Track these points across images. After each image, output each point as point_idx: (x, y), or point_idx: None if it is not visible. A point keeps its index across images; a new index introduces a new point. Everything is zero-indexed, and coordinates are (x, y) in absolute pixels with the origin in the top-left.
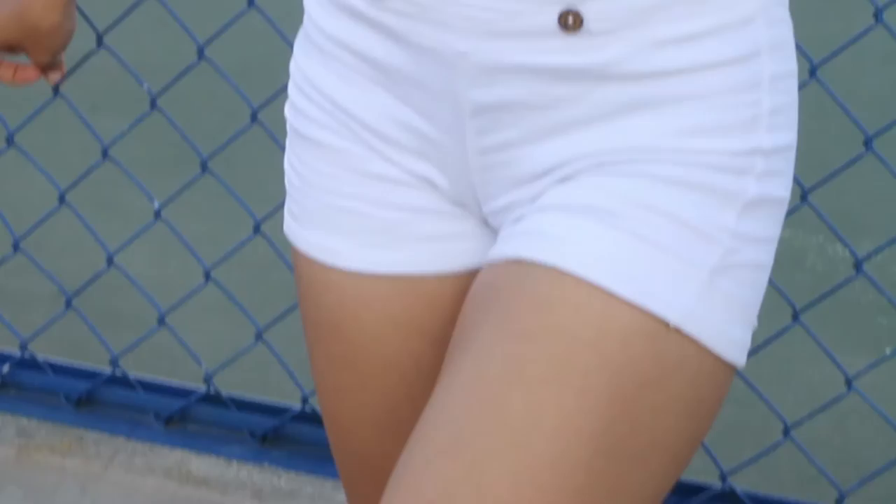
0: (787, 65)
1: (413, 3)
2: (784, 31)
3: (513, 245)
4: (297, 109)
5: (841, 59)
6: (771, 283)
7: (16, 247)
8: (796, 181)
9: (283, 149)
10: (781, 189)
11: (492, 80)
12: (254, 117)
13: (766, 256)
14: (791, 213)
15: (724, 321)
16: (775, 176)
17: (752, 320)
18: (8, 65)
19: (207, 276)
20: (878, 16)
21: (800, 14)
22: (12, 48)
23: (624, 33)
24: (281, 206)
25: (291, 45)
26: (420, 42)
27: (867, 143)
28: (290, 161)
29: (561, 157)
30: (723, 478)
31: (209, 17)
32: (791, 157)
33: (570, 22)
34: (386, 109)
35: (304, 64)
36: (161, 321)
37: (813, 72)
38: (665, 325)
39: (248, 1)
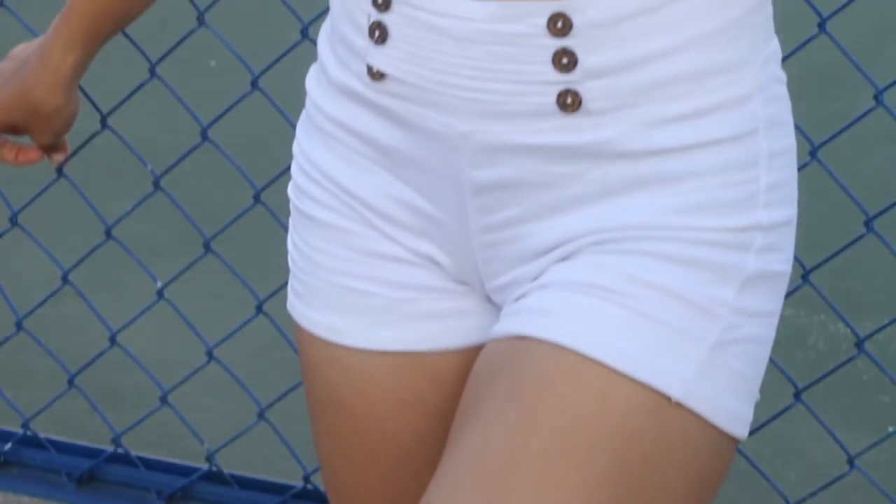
0: (784, 142)
1: (413, 85)
2: (782, 109)
3: (515, 322)
4: (300, 190)
5: (842, 139)
6: (772, 361)
7: (19, 326)
8: (797, 261)
9: (285, 229)
10: (781, 264)
11: (492, 160)
12: (256, 198)
13: (766, 331)
14: (792, 292)
15: (725, 395)
16: (775, 251)
17: (753, 393)
18: (10, 146)
19: (210, 355)
20: (878, 97)
21: (801, 94)
22: (16, 129)
23: (622, 113)
24: (283, 285)
25: (294, 126)
26: (420, 123)
27: (868, 223)
28: (293, 241)
29: (562, 236)
30: None
31: (212, 98)
32: (791, 231)
33: (569, 102)
34: (387, 189)
35: (307, 145)
36: (163, 400)
37: (813, 153)
38: (667, 399)
39: (252, 82)
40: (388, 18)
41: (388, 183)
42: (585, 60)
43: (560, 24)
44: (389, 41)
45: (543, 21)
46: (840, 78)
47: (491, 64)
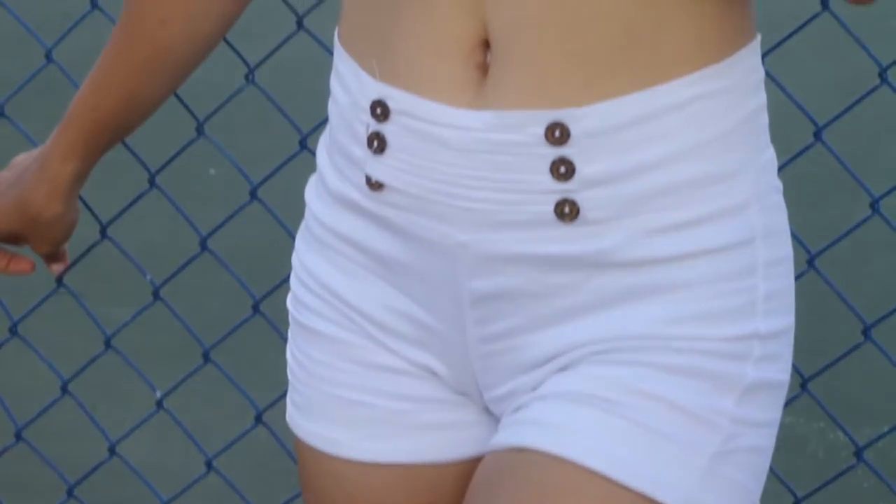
0: (781, 250)
1: (411, 196)
2: (778, 218)
3: (514, 433)
4: (299, 301)
5: (839, 246)
6: (772, 469)
7: (18, 435)
8: (795, 370)
9: (284, 338)
10: (780, 373)
11: (491, 270)
12: (256, 308)
13: (766, 440)
14: (791, 400)
15: None
16: (773, 360)
17: (754, 503)
18: (3, 254)
19: (209, 465)
20: (874, 206)
21: (798, 201)
22: (15, 238)
23: (620, 222)
24: (282, 395)
25: (293, 235)
26: (419, 234)
27: (866, 332)
28: (292, 352)
29: (560, 346)
30: None
31: (211, 206)
32: (789, 340)
33: (567, 211)
34: (386, 300)
35: (305, 256)
36: None
37: (811, 261)
38: None
39: (251, 192)
40: (386, 128)
41: (387, 293)
42: (583, 169)
43: (557, 133)
44: (388, 151)
45: (541, 130)
46: (836, 185)
47: (489, 173)
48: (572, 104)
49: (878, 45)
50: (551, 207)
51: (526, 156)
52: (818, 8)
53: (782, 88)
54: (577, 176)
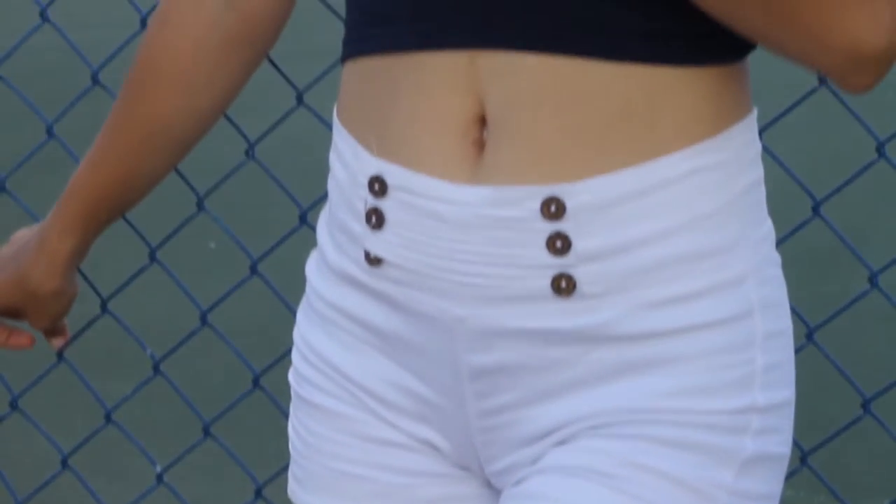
0: (780, 323)
1: (409, 270)
2: (776, 291)
3: None
4: (300, 375)
5: (839, 320)
6: None
7: None
8: (796, 444)
9: (284, 413)
10: (780, 445)
11: (489, 345)
12: (255, 382)
13: None
14: (791, 474)
15: None
16: (772, 433)
17: None
18: (2, 328)
19: None
20: (873, 280)
21: (796, 275)
22: (14, 313)
23: (616, 296)
24: (282, 469)
25: (292, 309)
26: (417, 309)
27: (865, 405)
28: (293, 426)
29: (559, 420)
30: None
31: (212, 279)
32: (789, 412)
33: (564, 286)
34: (386, 374)
35: (307, 331)
36: None
37: (810, 335)
38: None
39: (251, 267)
40: (384, 204)
41: (387, 368)
42: (579, 244)
43: (553, 208)
44: (386, 227)
45: (537, 205)
46: (835, 258)
47: (486, 248)
48: (568, 179)
49: (876, 118)
50: (548, 282)
51: (522, 231)
52: (815, 81)
53: (780, 163)
54: (573, 250)
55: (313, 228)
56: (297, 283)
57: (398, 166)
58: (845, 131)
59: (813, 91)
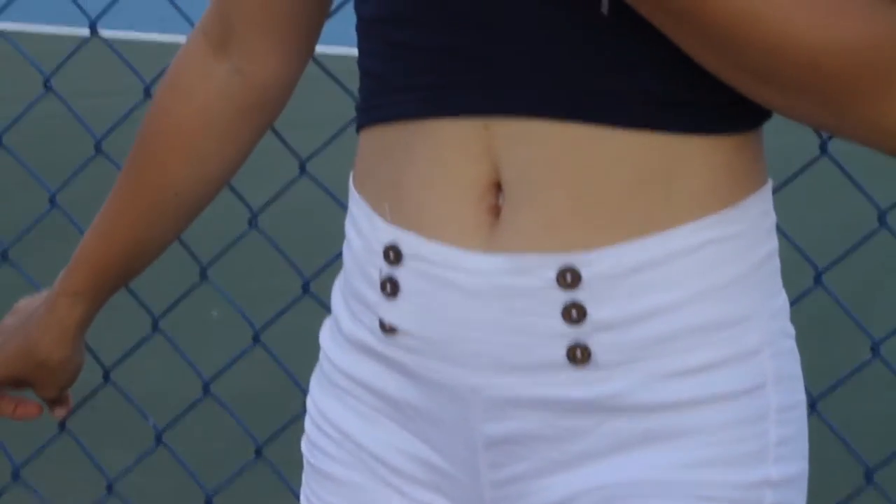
0: (794, 396)
1: (424, 339)
2: (790, 363)
3: None
4: (313, 445)
5: (840, 388)
6: None
7: None
8: None
9: (286, 484)
10: None
11: (504, 414)
12: (258, 452)
13: None
14: None
15: None
16: None
17: None
18: (9, 399)
19: None
20: (875, 349)
21: (799, 344)
22: (21, 382)
23: (632, 366)
24: None
25: (295, 379)
26: (432, 377)
27: (868, 475)
28: (306, 496)
29: (572, 490)
30: None
31: (214, 348)
32: (802, 485)
33: (579, 356)
34: (399, 444)
35: (320, 399)
36: None
37: (813, 405)
38: None
39: (253, 336)
40: (399, 273)
41: (401, 437)
42: (594, 313)
43: (569, 278)
44: (401, 295)
45: (553, 274)
46: (837, 326)
47: (501, 316)
48: (583, 248)
49: (877, 187)
50: (563, 351)
51: (538, 300)
52: (817, 150)
53: (782, 231)
54: (588, 320)
55: (316, 297)
56: (301, 352)
57: (413, 234)
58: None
59: (815, 160)
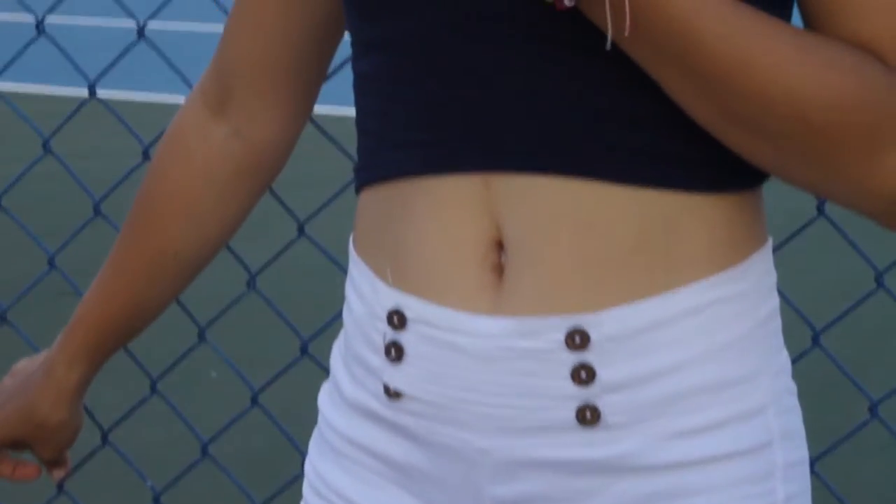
0: (799, 452)
1: (430, 403)
2: (794, 419)
3: None
4: None
5: (839, 449)
6: None
7: None
8: None
9: None
10: None
11: (512, 476)
12: None
13: None
14: None
15: None
16: None
17: None
18: (8, 461)
19: None
20: (873, 410)
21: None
22: (19, 444)
23: (640, 426)
24: None
25: (293, 441)
26: (439, 441)
27: None
28: None
29: None
30: None
31: (213, 408)
32: None
33: (589, 417)
34: None
35: (319, 464)
36: None
37: (811, 466)
38: None
39: (252, 398)
40: (404, 337)
41: (405, 501)
42: (603, 374)
43: (578, 340)
44: (406, 359)
45: (561, 336)
46: (835, 387)
47: (508, 379)
48: (590, 309)
49: (875, 247)
50: (573, 413)
51: (546, 362)
52: (814, 211)
53: (779, 292)
54: (597, 381)
55: (314, 359)
56: (299, 414)
57: (417, 298)
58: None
59: (812, 220)
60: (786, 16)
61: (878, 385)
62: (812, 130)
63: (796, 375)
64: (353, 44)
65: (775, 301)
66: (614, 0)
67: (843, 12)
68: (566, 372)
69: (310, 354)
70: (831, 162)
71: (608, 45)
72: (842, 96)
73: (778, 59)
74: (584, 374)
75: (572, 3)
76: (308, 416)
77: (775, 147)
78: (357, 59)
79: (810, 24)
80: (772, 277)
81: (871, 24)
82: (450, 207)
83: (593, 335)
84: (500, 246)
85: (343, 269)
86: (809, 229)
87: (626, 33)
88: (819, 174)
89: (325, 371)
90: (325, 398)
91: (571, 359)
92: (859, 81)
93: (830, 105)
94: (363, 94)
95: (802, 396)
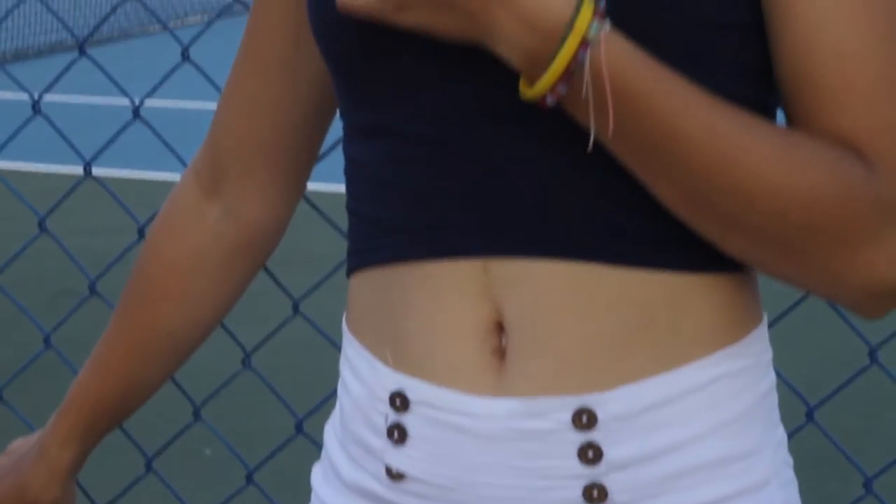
0: None
1: (435, 486)
2: (793, 491)
3: None
4: None
5: None
6: None
7: None
8: None
9: None
10: None
11: None
12: None
13: None
14: None
15: None
16: None
17: None
18: None
19: None
20: (867, 485)
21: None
22: None
23: (646, 503)
24: None
25: None
26: None
27: None
28: None
29: None
30: None
31: (207, 488)
32: None
33: (596, 495)
34: None
35: None
36: None
37: None
38: None
39: (247, 476)
40: (406, 419)
41: None
42: (610, 453)
43: (585, 419)
44: (409, 442)
45: (568, 416)
46: (830, 462)
47: (514, 461)
48: (596, 388)
49: (867, 322)
50: (579, 492)
51: (553, 442)
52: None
53: (775, 368)
54: (604, 460)
55: (309, 437)
56: (293, 491)
57: (419, 380)
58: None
59: (805, 296)
60: (769, 112)
61: (873, 460)
62: (791, 226)
63: (791, 448)
64: (345, 128)
65: (772, 376)
66: (597, 100)
67: (823, 107)
68: (573, 451)
69: (305, 433)
70: (808, 256)
71: (590, 146)
72: (822, 194)
73: (759, 158)
74: (591, 454)
75: (554, 103)
76: (303, 494)
77: (753, 241)
78: (349, 143)
79: (790, 116)
80: (769, 354)
81: (850, 120)
82: (449, 292)
83: (600, 415)
84: (500, 329)
85: (337, 347)
86: (803, 305)
87: (610, 134)
88: (796, 267)
89: (321, 449)
90: (320, 477)
91: (579, 438)
92: (839, 179)
93: (810, 203)
94: (356, 179)
95: (797, 470)
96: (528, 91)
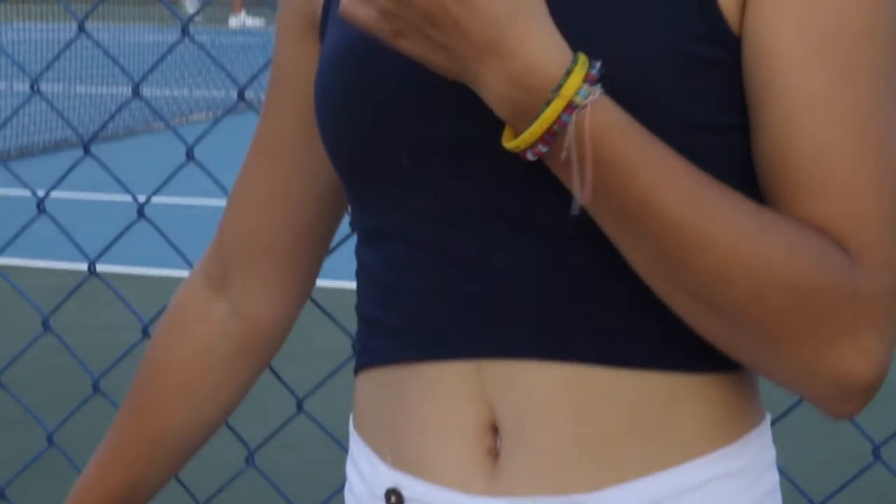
0: None
1: None
2: None
3: None
4: None
5: None
6: None
7: None
8: None
9: None
10: None
11: None
12: None
13: None
14: None
15: None
16: None
17: None
18: None
19: None
20: None
21: None
22: None
23: None
24: None
25: None
26: None
27: None
28: None
29: None
30: None
31: None
32: None
33: None
34: None
35: None
36: None
37: None
38: None
39: None
40: None
41: None
42: None
43: None
44: None
45: None
46: None
47: None
48: (587, 488)
49: (873, 418)
50: None
51: None
52: None
53: (778, 466)
54: None
55: None
56: None
57: (414, 478)
58: (842, 432)
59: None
60: (753, 191)
61: None
62: (766, 309)
63: None
64: (356, 231)
65: (775, 476)
66: (579, 164)
67: (801, 193)
68: None
69: None
70: (781, 342)
71: (573, 209)
72: (799, 279)
73: (740, 238)
74: None
75: (535, 158)
76: None
77: (727, 322)
78: (359, 246)
79: (769, 200)
80: (770, 453)
81: (828, 208)
82: (444, 392)
83: None
84: (494, 429)
85: (339, 443)
86: (805, 404)
87: (587, 199)
88: (767, 352)
89: None
90: None
91: None
92: (817, 266)
93: (787, 287)
94: (362, 281)
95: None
96: (510, 143)
